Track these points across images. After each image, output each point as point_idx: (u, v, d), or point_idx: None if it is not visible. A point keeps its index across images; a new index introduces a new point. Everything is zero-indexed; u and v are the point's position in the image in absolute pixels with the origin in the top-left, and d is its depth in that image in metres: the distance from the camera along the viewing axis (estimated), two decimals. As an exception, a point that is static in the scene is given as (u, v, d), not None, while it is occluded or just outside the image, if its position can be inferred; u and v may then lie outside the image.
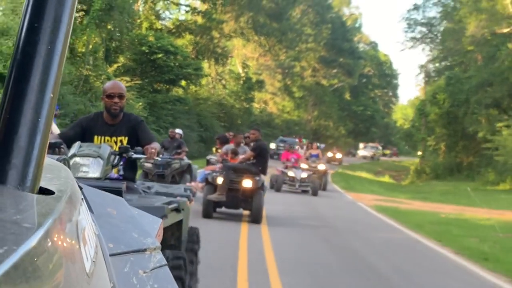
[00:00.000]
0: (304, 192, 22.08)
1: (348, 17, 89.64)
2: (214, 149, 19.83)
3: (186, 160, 16.42)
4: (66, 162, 4.20)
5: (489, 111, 36.01)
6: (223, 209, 13.85)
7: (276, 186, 21.92)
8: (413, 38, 50.25)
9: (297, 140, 47.85)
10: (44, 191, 1.05)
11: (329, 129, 77.02)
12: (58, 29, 0.98)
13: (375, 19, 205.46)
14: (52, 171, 1.30)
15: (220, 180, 12.98)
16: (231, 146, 15.19)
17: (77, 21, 27.68)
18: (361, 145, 76.24)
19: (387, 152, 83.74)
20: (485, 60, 38.15)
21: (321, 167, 26.11)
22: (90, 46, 28.51)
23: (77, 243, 1.04)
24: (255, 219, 13.27)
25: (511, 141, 29.08)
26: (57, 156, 4.57)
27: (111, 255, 1.89)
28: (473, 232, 15.02)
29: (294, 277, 8.03)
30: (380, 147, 77.83)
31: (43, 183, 1.06)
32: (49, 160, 1.35)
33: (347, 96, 79.63)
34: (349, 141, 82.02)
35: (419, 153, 52.05)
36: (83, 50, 28.37)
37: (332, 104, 75.45)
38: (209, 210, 13.29)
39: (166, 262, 2.32)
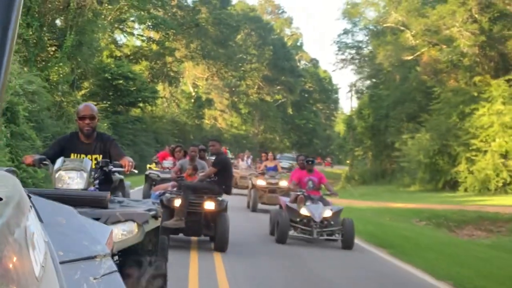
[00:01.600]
0: (329, 240, 13.35)
1: (290, 37, 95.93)
2: (151, 165, 19.78)
3: (116, 175, 17.24)
4: (14, 172, 4.04)
5: (403, 125, 42.42)
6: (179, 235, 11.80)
7: (280, 232, 13.00)
8: (343, 60, 56.41)
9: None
10: None
11: (274, 141, 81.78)
12: (6, 36, 1.07)
13: (316, 37, 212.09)
14: (0, 180, 1.40)
15: (177, 203, 11.15)
16: (186, 161, 12.69)
17: (50, 55, 31.78)
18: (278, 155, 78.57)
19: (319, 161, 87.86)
20: (400, 81, 44.73)
21: (283, 183, 19.15)
22: (61, 76, 32.84)
23: (26, 247, 1.12)
24: (220, 246, 11.27)
25: (414, 150, 35.37)
26: (5, 168, 4.94)
27: (61, 262, 1.97)
28: (370, 217, 20.78)
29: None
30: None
31: None
32: None
33: (290, 110, 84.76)
34: (293, 152, 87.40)
35: (348, 162, 58.42)
36: (56, 79, 32.90)
37: (276, 118, 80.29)
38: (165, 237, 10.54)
39: (116, 269, 2.48)
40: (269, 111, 79.34)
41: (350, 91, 59.76)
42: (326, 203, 13.45)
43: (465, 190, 32.24)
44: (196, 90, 66.12)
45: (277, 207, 15.29)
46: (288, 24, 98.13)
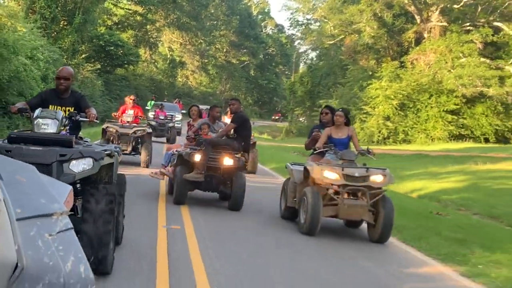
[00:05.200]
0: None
1: (257, 5, 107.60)
2: (116, 114, 19.06)
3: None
4: None
5: (330, 91, 55.32)
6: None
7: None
8: (293, 35, 69.20)
9: (176, 104, 43.88)
10: None
11: (238, 99, 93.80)
12: None
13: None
14: None
15: (197, 157, 11.20)
16: (205, 120, 12.67)
17: (62, 28, 40.07)
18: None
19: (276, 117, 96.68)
20: (330, 57, 57.79)
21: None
22: (73, 45, 40.58)
23: None
24: (235, 205, 11.39)
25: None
26: None
27: (18, 219, 2.00)
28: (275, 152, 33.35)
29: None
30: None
31: None
32: None
33: (253, 72, 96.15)
34: (255, 109, 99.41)
35: (289, 118, 71.60)
36: (67, 47, 39.91)
37: (241, 78, 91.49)
38: (183, 194, 11.38)
39: (72, 226, 2.56)
40: (235, 72, 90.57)
41: (293, 61, 72.39)
42: None
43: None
44: (171, 53, 78.34)
45: None
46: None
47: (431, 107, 43.18)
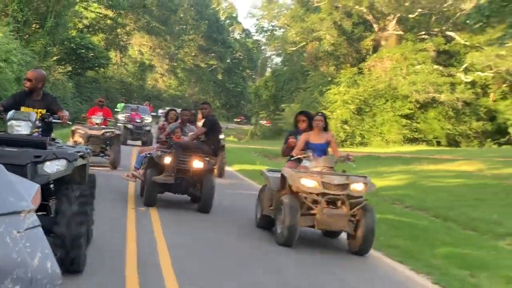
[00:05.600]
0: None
1: (224, 10, 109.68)
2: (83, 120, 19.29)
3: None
4: None
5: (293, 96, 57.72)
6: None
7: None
8: (258, 40, 71.61)
9: (146, 106, 44.28)
10: None
11: (209, 103, 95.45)
12: None
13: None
14: None
15: (168, 160, 11.47)
16: (176, 124, 12.97)
17: (34, 31, 40.82)
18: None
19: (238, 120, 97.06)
20: (293, 63, 60.31)
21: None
22: (44, 48, 41.22)
23: None
24: (204, 207, 11.60)
25: (290, 115, 50.57)
26: None
27: None
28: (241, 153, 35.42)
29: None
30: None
31: None
32: None
33: (220, 76, 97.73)
34: (223, 112, 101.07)
35: (253, 121, 74.04)
36: (39, 50, 40.20)
37: (209, 82, 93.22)
38: (154, 196, 11.57)
39: (39, 223, 2.61)
40: (203, 76, 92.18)
41: (259, 66, 74.80)
42: None
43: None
44: (141, 56, 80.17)
45: None
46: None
47: (387, 111, 45.80)
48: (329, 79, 49.15)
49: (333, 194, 9.14)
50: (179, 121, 13.12)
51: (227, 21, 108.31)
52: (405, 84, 45.49)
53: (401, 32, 49.22)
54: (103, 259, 7.35)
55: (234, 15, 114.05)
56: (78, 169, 6.93)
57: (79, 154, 6.72)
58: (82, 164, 6.99)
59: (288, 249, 9.18)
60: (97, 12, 65.12)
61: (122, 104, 40.82)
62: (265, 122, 72.70)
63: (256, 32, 70.38)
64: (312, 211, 9.23)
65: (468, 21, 21.57)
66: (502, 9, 19.61)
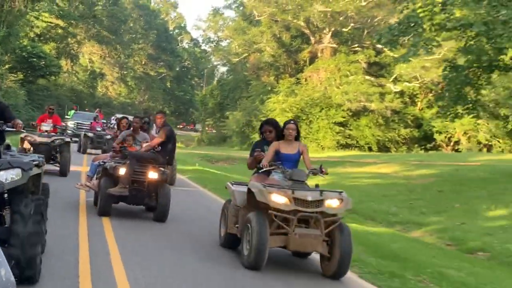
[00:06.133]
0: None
1: (174, 20, 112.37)
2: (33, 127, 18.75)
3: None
4: None
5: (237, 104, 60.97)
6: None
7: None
8: (204, 50, 74.79)
9: (97, 114, 39.97)
10: None
11: (156, 109, 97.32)
12: None
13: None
14: None
15: (122, 171, 11.30)
16: (128, 132, 12.63)
17: None
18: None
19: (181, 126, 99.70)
20: (237, 73, 63.74)
21: None
22: None
23: None
24: (160, 216, 11.55)
25: (234, 123, 54.01)
26: None
27: None
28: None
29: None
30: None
31: None
32: None
33: (169, 84, 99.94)
34: (172, 119, 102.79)
35: (200, 128, 77.16)
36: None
37: (158, 89, 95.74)
38: (108, 206, 11.36)
39: None
40: (153, 84, 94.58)
41: (205, 75, 78.05)
42: None
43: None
44: (91, 65, 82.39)
45: None
46: (174, 8, 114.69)
47: (322, 119, 49.41)
48: (269, 88, 52.62)
49: (306, 212, 8.25)
50: (132, 128, 12.80)
51: (176, 30, 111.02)
52: (338, 94, 49.20)
53: (335, 45, 52.92)
54: (56, 267, 7.25)
55: (182, 24, 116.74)
56: (33, 179, 6.79)
57: (34, 163, 6.63)
58: (37, 173, 6.91)
59: (255, 273, 8.26)
60: (48, 22, 67.17)
61: (73, 111, 42.00)
62: (207, 129, 76.86)
63: (203, 42, 73.69)
64: (283, 230, 8.38)
65: (380, 39, 24.94)
66: (408, 30, 23.05)
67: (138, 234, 10.30)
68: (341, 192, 8.54)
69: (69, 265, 7.49)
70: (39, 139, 17.53)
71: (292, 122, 9.35)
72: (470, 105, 23.95)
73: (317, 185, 8.92)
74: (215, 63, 76.98)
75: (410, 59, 24.58)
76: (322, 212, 8.29)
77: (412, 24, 22.04)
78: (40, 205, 6.44)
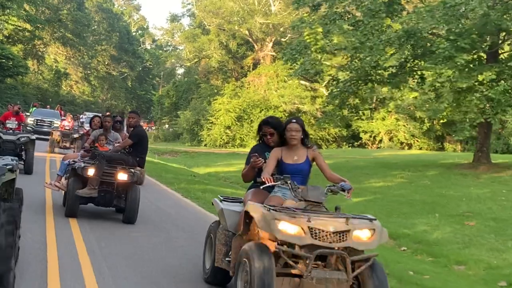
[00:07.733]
0: None
1: (135, 22, 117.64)
2: None
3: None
4: None
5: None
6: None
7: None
8: (164, 51, 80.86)
9: (57, 110, 44.06)
10: None
11: (118, 107, 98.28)
12: None
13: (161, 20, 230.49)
14: None
15: (91, 172, 11.06)
16: (99, 131, 12.27)
17: None
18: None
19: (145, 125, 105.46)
20: (189, 76, 70.25)
21: None
22: None
23: None
24: (129, 218, 11.34)
25: (184, 121, 60.43)
26: None
27: None
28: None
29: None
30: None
31: None
32: None
33: (130, 83, 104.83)
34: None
35: (156, 126, 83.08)
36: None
37: (121, 89, 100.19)
38: (75, 207, 11.15)
39: None
40: (115, 83, 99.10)
41: (162, 76, 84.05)
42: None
43: (205, 145, 57.55)
44: (56, 64, 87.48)
45: None
46: (136, 10, 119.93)
47: (261, 119, 55.81)
48: (216, 91, 59.14)
49: (326, 248, 5.82)
50: (103, 128, 12.42)
51: (139, 31, 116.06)
52: (275, 96, 55.73)
53: (274, 53, 59.51)
54: (24, 269, 7.04)
55: (145, 26, 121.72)
56: (6, 185, 6.38)
57: (8, 167, 6.13)
58: (12, 178, 6.45)
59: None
60: (16, 25, 72.15)
61: (34, 108, 44.46)
62: (154, 127, 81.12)
63: (160, 48, 79.96)
64: (293, 271, 5.95)
65: (283, 57, 31.63)
66: (305, 51, 29.61)
67: (107, 235, 10.07)
68: (374, 219, 6.15)
69: (36, 268, 7.25)
70: (4, 137, 17.44)
71: (294, 121, 6.87)
72: (353, 109, 30.79)
73: (337, 207, 6.45)
74: (172, 66, 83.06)
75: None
76: (348, 247, 5.91)
77: (311, 45, 28.44)
78: (14, 214, 5.65)
